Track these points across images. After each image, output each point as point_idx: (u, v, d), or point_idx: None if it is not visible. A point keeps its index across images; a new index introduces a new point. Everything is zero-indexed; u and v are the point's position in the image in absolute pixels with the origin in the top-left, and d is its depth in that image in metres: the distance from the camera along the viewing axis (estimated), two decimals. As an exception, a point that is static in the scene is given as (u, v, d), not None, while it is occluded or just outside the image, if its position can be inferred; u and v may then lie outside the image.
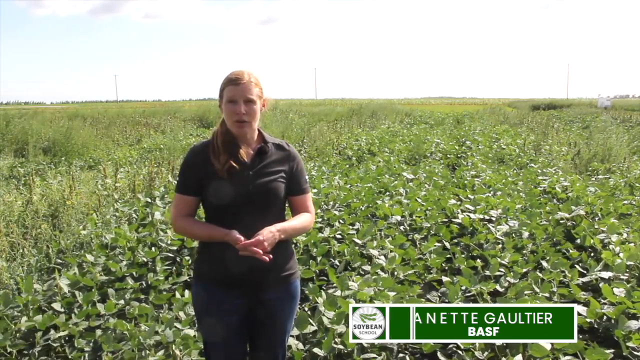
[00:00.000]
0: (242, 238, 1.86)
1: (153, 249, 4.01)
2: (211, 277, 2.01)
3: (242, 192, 1.94)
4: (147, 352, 2.72)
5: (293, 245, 2.22)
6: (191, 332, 2.79)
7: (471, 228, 4.66)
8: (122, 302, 3.26)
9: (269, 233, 1.88)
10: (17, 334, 2.96)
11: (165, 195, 5.71)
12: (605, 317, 3.00)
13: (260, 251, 1.84)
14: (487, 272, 3.62)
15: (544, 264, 3.74)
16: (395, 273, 3.63)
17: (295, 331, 2.80)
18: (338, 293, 3.16)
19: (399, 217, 4.83)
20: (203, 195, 2.00)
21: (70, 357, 2.83)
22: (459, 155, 10.26)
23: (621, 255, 3.71)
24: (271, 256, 1.86)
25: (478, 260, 3.83)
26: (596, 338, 2.95)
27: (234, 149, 1.98)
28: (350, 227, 4.53)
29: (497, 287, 3.36)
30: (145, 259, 3.85)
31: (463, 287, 3.35)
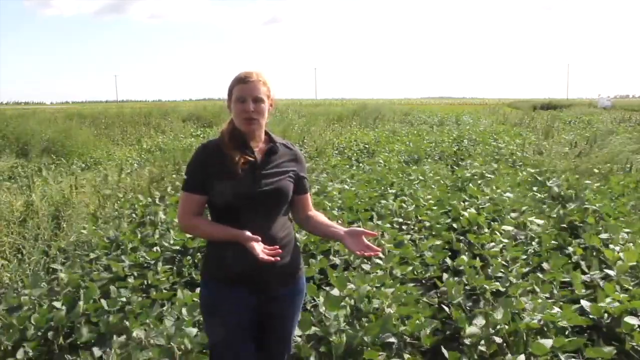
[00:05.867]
0: (258, 238, 1.88)
1: (155, 249, 3.99)
2: (220, 276, 2.02)
3: (252, 191, 1.96)
4: (149, 351, 2.70)
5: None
6: (193, 332, 2.77)
7: (476, 226, 4.65)
8: (123, 299, 3.23)
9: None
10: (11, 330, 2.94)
11: (166, 197, 5.69)
12: (607, 315, 2.99)
13: (276, 256, 1.87)
14: (489, 272, 3.61)
15: (545, 265, 3.73)
16: (394, 272, 3.62)
17: (298, 331, 2.79)
18: (336, 292, 3.14)
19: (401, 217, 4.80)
20: (211, 194, 1.99)
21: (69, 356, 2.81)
22: (458, 156, 10.24)
23: (622, 255, 3.69)
24: (278, 258, 1.89)
25: (477, 259, 3.83)
26: (599, 336, 2.94)
27: (242, 147, 2.00)
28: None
29: (500, 287, 3.35)
30: (146, 258, 3.83)
31: (467, 287, 3.34)
